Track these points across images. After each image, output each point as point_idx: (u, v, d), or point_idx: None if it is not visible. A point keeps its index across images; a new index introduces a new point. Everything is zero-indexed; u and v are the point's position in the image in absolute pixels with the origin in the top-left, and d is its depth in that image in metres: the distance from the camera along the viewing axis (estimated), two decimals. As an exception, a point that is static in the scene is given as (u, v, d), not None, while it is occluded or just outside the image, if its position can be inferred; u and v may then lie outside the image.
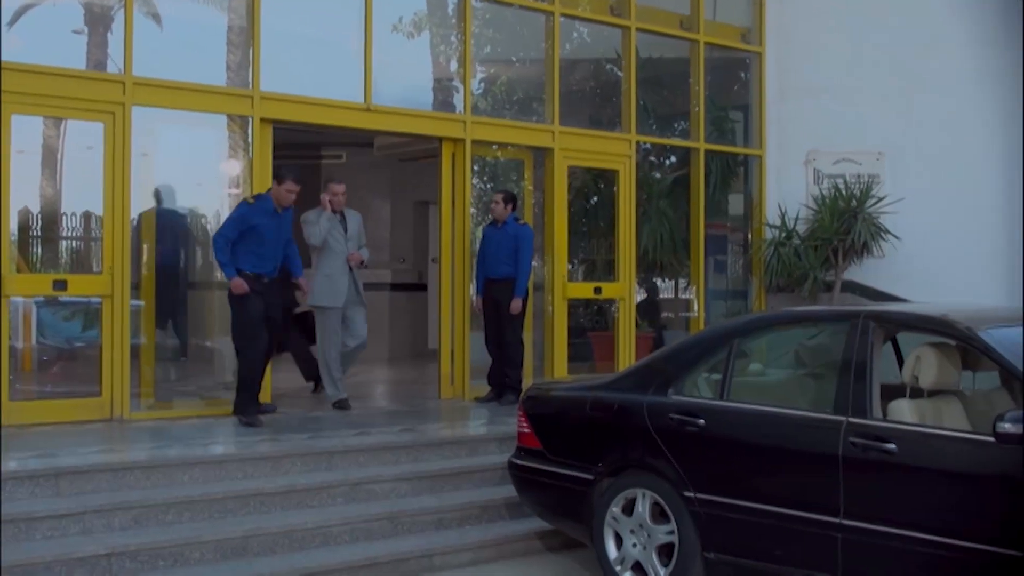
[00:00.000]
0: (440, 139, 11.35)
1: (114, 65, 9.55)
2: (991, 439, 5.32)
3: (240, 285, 9.06)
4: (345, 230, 10.33)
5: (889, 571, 5.79)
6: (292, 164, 9.93)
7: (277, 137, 10.24)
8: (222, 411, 9.69)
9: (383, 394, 12.01)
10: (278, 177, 9.39)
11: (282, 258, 9.56)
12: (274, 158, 10.15)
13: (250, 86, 9.99)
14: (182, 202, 10.93)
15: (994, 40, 13.21)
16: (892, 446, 5.78)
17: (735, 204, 14.39)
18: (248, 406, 9.27)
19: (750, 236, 14.09)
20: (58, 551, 6.54)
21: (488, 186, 13.20)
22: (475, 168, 12.44)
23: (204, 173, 10.96)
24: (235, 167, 10.62)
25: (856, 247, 12.91)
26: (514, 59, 13.84)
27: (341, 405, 10.22)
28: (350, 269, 10.30)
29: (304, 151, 15.26)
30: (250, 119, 10.00)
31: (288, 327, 10.83)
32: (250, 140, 10.10)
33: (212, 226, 10.69)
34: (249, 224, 9.14)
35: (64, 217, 10.27)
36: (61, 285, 9.11)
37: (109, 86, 9.26)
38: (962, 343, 6.11)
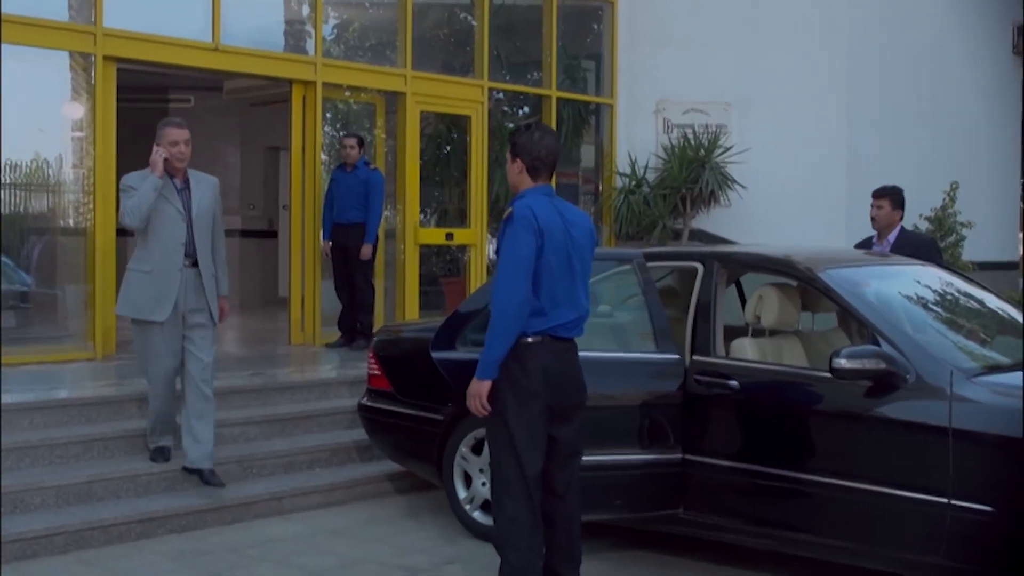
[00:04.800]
0: (291, 82, 11.17)
1: (-56, -2, 9.18)
2: (827, 375, 5.50)
3: None
4: (188, 205, 7.00)
5: (731, 503, 5.97)
6: None
7: (123, 79, 9.94)
8: (64, 357, 9.49)
9: (232, 340, 11.84)
10: None
11: None
12: (119, 101, 9.87)
13: (93, 22, 9.69)
14: (23, 146, 10.55)
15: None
16: (734, 383, 5.94)
17: (587, 153, 14.50)
18: None
19: (601, 185, 14.22)
20: None
21: (340, 133, 13.07)
22: (327, 115, 12.31)
23: (46, 116, 10.56)
24: (78, 110, 10.25)
25: (704, 196, 13.13)
26: (367, 4, 13.69)
27: (158, 455, 7.36)
28: (194, 263, 7.01)
29: (150, 95, 14.89)
30: (93, 57, 9.70)
31: None
32: (93, 81, 9.81)
33: (54, 171, 10.34)
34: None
35: None
36: None
37: (-61, 18, 8.89)
38: (803, 283, 6.30)
